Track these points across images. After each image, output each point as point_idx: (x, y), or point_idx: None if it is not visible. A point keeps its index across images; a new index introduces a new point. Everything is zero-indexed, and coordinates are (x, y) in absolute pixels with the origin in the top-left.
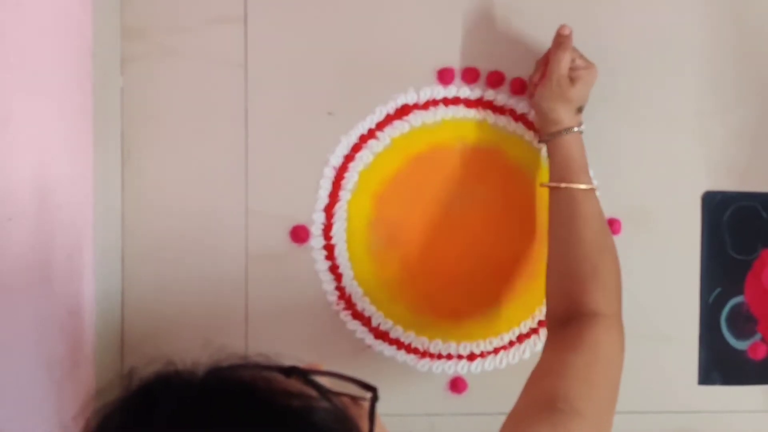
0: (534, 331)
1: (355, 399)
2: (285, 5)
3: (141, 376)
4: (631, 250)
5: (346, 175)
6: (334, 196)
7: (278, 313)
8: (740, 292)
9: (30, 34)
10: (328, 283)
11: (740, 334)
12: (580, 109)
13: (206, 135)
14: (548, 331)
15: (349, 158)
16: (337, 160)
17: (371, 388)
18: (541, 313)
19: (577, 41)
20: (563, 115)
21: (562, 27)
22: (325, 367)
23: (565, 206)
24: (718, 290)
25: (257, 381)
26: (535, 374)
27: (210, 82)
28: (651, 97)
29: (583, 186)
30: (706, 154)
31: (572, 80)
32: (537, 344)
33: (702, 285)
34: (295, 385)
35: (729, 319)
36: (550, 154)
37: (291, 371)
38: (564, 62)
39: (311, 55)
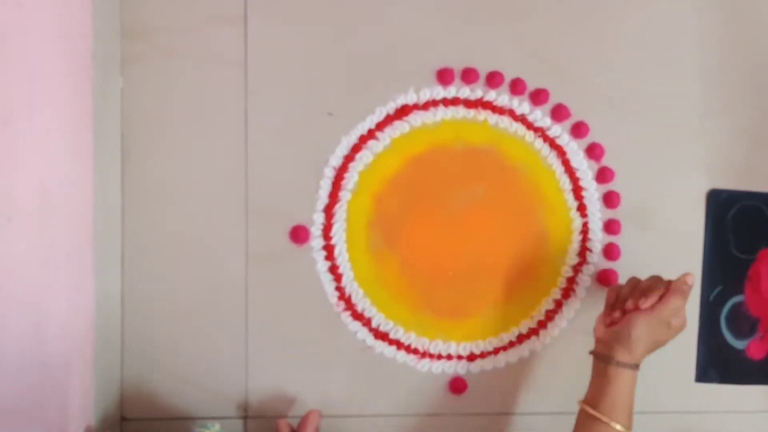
0: (534, 331)
1: None
2: (285, 5)
3: None
4: (631, 249)
5: (346, 175)
6: (334, 196)
7: (278, 313)
8: (741, 291)
9: (30, 35)
10: (328, 284)
11: (739, 333)
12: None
13: (206, 135)
14: None
15: (349, 158)
16: (337, 160)
17: None
18: (540, 313)
19: (578, 41)
20: (642, 351)
21: (689, 276)
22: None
23: None
24: (719, 288)
25: None
26: None
27: (210, 82)
28: (652, 97)
29: (622, 429)
30: (707, 154)
31: (669, 326)
32: (537, 344)
33: (703, 282)
34: None
35: (729, 318)
36: (607, 379)
37: None
38: (679, 309)
39: (311, 55)
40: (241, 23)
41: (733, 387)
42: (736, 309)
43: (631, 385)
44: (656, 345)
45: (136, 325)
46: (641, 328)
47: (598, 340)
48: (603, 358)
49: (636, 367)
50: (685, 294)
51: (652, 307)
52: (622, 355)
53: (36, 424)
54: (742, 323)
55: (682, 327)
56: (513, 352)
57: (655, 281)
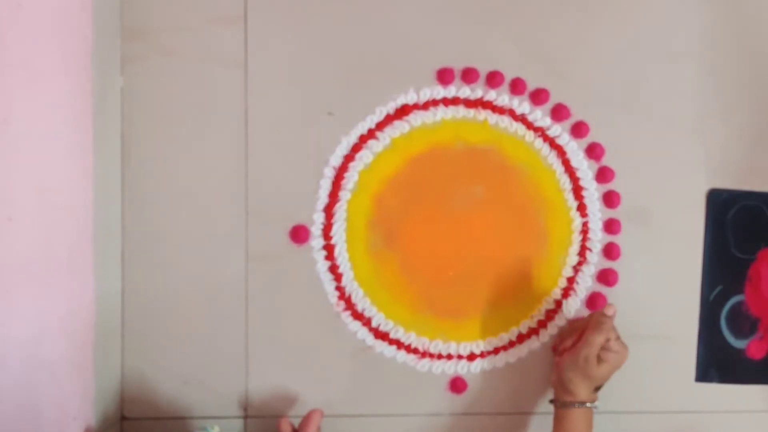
0: (534, 331)
1: None
2: (285, 5)
3: None
4: (631, 249)
5: (346, 175)
6: (334, 196)
7: (278, 313)
8: (741, 291)
9: (30, 35)
10: (329, 284)
11: (739, 333)
12: (598, 388)
13: (206, 135)
14: None
15: (349, 158)
16: (337, 160)
17: None
18: (540, 313)
19: (578, 41)
20: (580, 389)
21: (608, 307)
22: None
23: None
24: (719, 288)
25: None
26: None
27: (210, 82)
28: (652, 97)
29: None
30: (707, 154)
31: (600, 360)
32: (536, 344)
33: (703, 282)
34: None
35: (729, 318)
36: (557, 421)
37: None
38: (597, 344)
39: (311, 55)
40: (241, 23)
41: (733, 387)
42: (736, 309)
43: (581, 424)
44: (595, 381)
45: (136, 325)
46: (567, 366)
47: (552, 386)
48: (553, 402)
49: (581, 404)
50: (601, 327)
51: (574, 346)
52: (563, 396)
53: (36, 424)
54: (742, 323)
55: (619, 359)
56: (513, 352)
57: (583, 320)
